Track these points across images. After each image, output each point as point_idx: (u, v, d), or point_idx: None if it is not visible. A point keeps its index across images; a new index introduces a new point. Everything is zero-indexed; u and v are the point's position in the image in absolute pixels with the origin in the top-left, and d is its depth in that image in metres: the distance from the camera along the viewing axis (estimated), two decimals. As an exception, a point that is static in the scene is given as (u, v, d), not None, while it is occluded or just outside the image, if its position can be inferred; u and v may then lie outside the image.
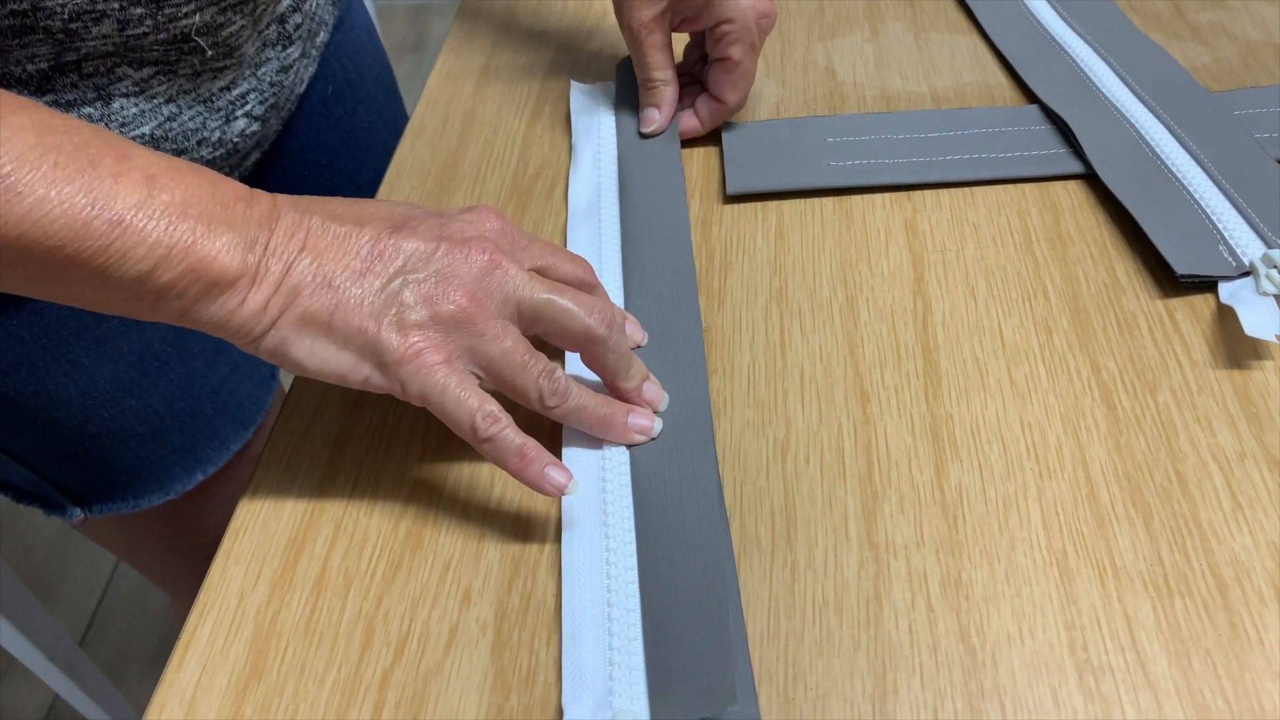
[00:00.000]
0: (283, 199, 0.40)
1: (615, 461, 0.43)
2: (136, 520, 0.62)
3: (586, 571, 0.39)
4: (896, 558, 0.39)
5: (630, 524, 0.41)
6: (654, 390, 0.44)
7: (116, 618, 1.37)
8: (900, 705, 0.35)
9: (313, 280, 0.38)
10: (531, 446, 0.40)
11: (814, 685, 0.36)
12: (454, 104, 0.64)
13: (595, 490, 0.42)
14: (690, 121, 0.59)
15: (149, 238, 0.35)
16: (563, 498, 0.42)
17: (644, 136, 0.58)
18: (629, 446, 0.43)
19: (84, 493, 0.60)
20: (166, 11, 0.47)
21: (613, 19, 0.70)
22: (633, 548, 0.40)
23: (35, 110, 0.35)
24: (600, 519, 0.41)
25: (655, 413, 0.44)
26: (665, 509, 0.41)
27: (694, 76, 0.61)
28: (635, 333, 0.47)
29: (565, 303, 0.41)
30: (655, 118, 0.58)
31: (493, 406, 0.39)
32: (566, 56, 0.68)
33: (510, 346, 0.40)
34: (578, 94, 0.62)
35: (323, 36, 0.64)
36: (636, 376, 0.43)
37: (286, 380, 0.83)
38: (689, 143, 0.60)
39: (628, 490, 0.42)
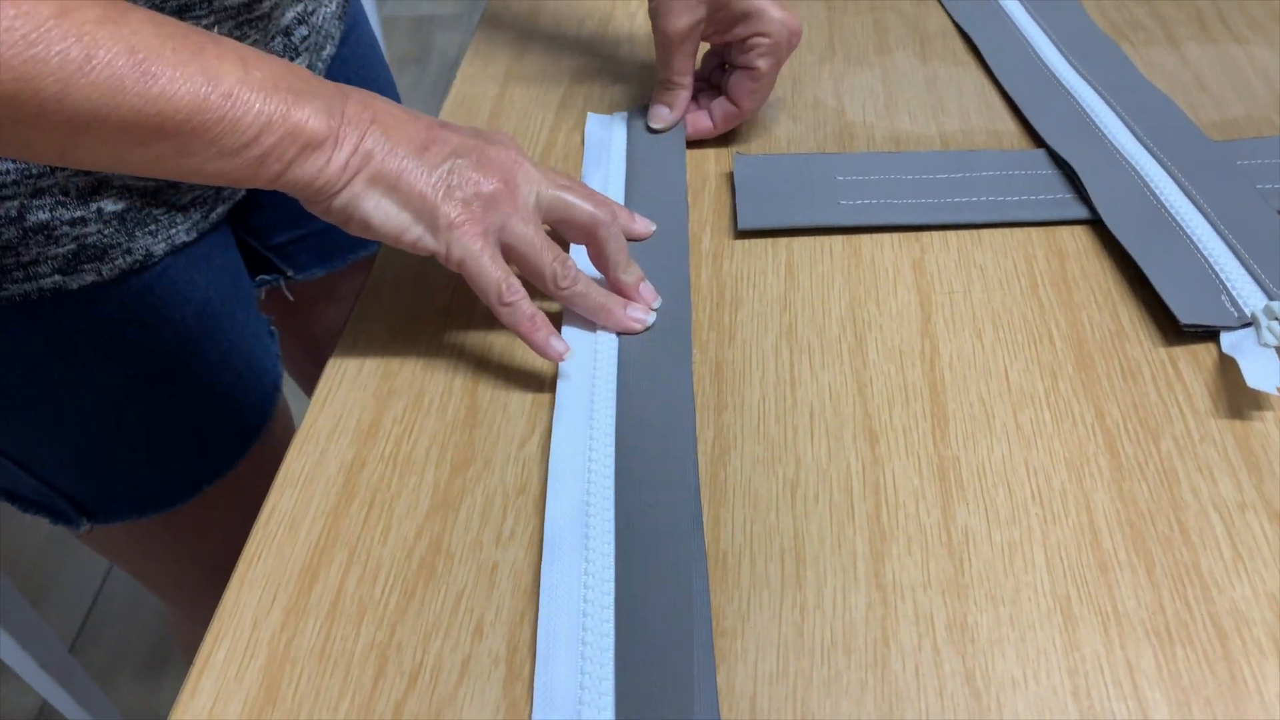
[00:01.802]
0: (346, 85, 0.45)
1: (605, 349, 0.49)
2: (140, 530, 0.63)
3: (564, 592, 0.40)
4: (904, 599, 0.40)
5: (610, 544, 0.41)
6: (649, 291, 0.51)
7: (108, 624, 1.36)
8: (906, 747, 0.36)
9: (383, 148, 0.44)
10: (541, 317, 0.47)
11: (821, 725, 0.37)
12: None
13: (583, 423, 0.46)
14: (704, 123, 0.61)
15: (253, 107, 0.40)
16: (551, 459, 0.45)
17: (652, 131, 0.61)
18: (619, 336, 0.50)
19: (90, 502, 0.60)
20: (186, 19, 0.49)
21: (626, 43, 0.71)
22: (611, 573, 0.40)
23: (146, 10, 0.39)
24: (582, 516, 0.43)
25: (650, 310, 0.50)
26: (644, 530, 0.42)
27: (709, 82, 0.64)
28: (643, 225, 0.54)
29: (573, 196, 0.49)
30: (665, 115, 0.61)
31: (515, 280, 0.46)
32: (582, 86, 0.69)
33: (533, 231, 0.47)
34: (593, 124, 0.63)
35: (329, 50, 0.65)
36: (634, 273, 0.50)
37: (290, 391, 0.83)
38: (701, 176, 0.61)
39: (610, 488, 0.44)
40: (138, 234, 0.53)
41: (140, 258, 0.53)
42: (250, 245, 0.68)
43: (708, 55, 0.64)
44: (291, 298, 0.74)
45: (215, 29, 0.50)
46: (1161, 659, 0.38)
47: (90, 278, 0.52)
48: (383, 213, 0.45)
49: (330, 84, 0.44)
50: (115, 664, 1.32)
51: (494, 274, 0.46)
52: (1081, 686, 0.37)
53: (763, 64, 0.58)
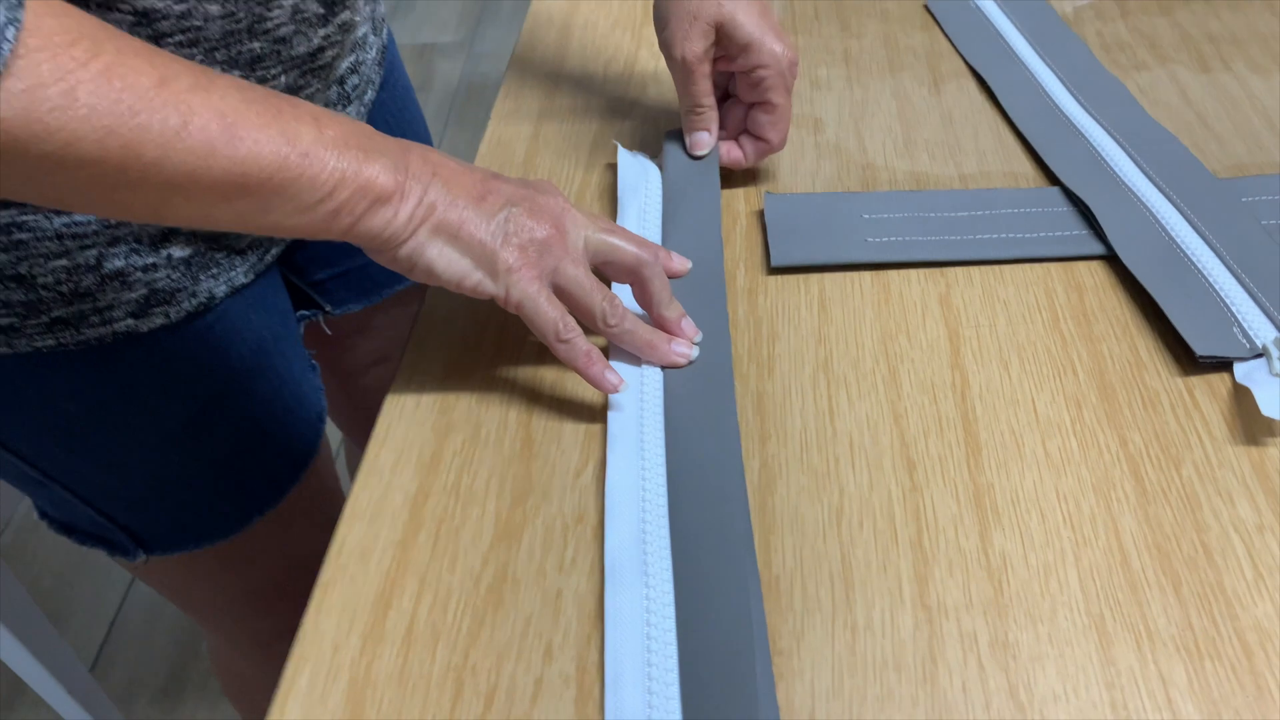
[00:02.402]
0: (405, 140, 0.48)
1: (651, 383, 0.52)
2: (191, 560, 0.65)
3: (628, 617, 0.43)
4: (948, 619, 0.43)
5: (668, 570, 0.44)
6: (691, 326, 0.54)
7: (125, 648, 1.38)
8: (958, 759, 0.38)
9: (445, 199, 0.47)
10: (595, 352, 0.50)
11: (877, 739, 0.39)
12: (509, 166, 0.68)
13: (634, 454, 0.49)
14: (735, 154, 0.64)
15: (328, 164, 0.43)
16: (606, 489, 0.48)
17: (695, 159, 0.64)
18: (664, 370, 0.53)
19: (147, 535, 0.62)
20: (259, 74, 0.52)
21: (652, 83, 0.74)
22: (670, 598, 0.43)
23: (228, 75, 0.42)
24: (640, 544, 0.45)
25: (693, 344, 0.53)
26: (700, 556, 0.44)
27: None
28: (680, 263, 0.56)
29: (618, 239, 0.52)
30: (706, 140, 0.63)
31: (570, 319, 0.49)
32: (612, 125, 0.72)
33: (583, 273, 0.50)
34: (624, 156, 0.66)
35: (370, 94, 0.67)
36: (676, 309, 0.53)
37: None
38: (731, 215, 0.64)
39: (664, 516, 0.46)
40: (201, 277, 0.55)
41: (204, 300, 0.56)
42: (292, 282, 0.71)
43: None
44: (329, 332, 0.76)
45: (282, 77, 0.53)
46: (1192, 673, 0.40)
47: (159, 320, 0.54)
48: (445, 260, 0.47)
49: (392, 140, 0.47)
50: (133, 687, 1.33)
51: (551, 314, 0.49)
52: (1119, 700, 0.40)
53: (774, 97, 0.60)
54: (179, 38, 0.47)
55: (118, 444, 0.57)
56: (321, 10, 0.52)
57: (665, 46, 0.61)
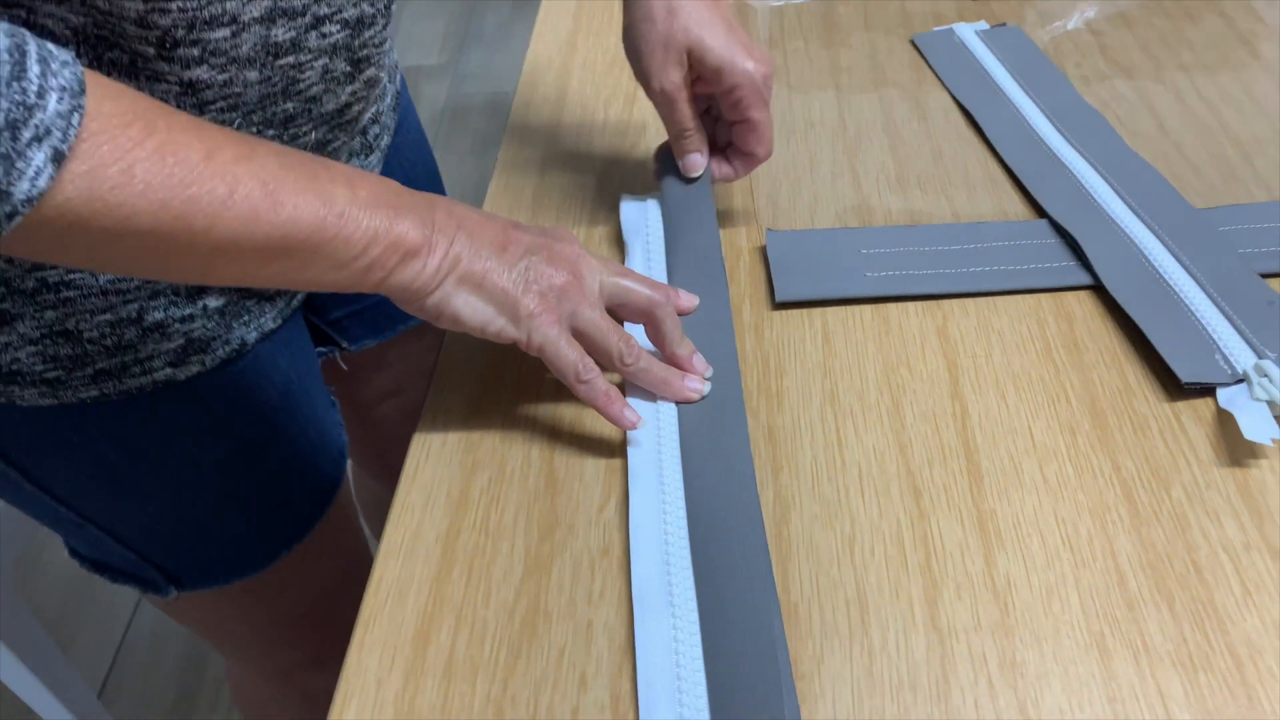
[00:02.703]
0: (429, 194, 0.51)
1: (667, 418, 0.55)
2: (220, 595, 0.67)
3: (658, 647, 0.45)
4: (959, 640, 0.45)
5: (693, 600, 0.46)
6: (702, 362, 0.56)
7: (131, 677, 1.39)
8: (974, 773, 0.41)
9: (469, 251, 0.49)
10: (614, 391, 0.53)
11: (897, 756, 0.42)
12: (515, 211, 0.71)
13: (654, 482, 0.52)
14: (725, 170, 0.65)
15: (362, 224, 0.45)
16: (630, 525, 0.50)
17: (690, 181, 0.65)
18: (678, 405, 0.55)
19: (180, 572, 0.64)
20: (291, 131, 0.54)
21: (653, 123, 0.76)
22: (696, 627, 0.45)
23: (268, 142, 0.45)
24: (664, 575, 0.48)
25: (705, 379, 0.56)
26: (722, 585, 0.46)
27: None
28: (688, 300, 0.59)
29: (631, 282, 0.55)
30: (699, 161, 0.64)
31: (589, 359, 0.52)
32: (615, 169, 0.74)
33: (600, 316, 0.52)
34: (627, 209, 0.69)
35: (387, 139, 0.70)
36: (687, 346, 0.56)
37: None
38: (734, 251, 0.66)
39: (685, 547, 0.49)
40: (234, 325, 0.57)
41: (236, 347, 0.58)
42: (310, 320, 0.73)
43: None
44: (345, 367, 0.78)
45: (313, 134, 0.55)
46: (1188, 685, 0.43)
47: (196, 368, 0.56)
48: (471, 308, 0.50)
49: (418, 194, 0.50)
50: (141, 713, 1.35)
51: (571, 356, 0.51)
52: (1121, 713, 0.42)
53: (753, 114, 0.61)
54: (220, 104, 0.49)
55: (156, 487, 0.59)
56: (348, 69, 0.54)
57: (642, 78, 0.62)
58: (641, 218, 0.68)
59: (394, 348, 0.81)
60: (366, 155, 0.64)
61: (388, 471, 0.91)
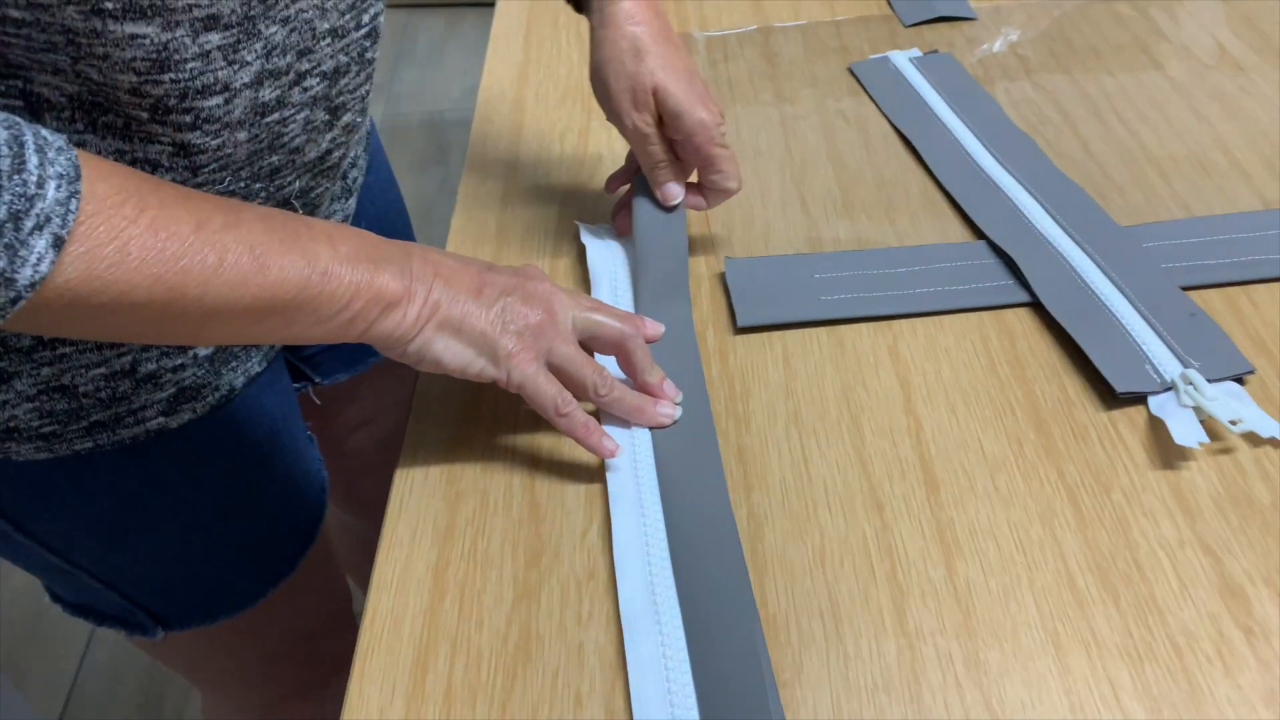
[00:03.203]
0: (404, 242, 0.53)
1: (642, 443, 0.58)
2: (208, 634, 0.68)
3: (648, 665, 0.48)
4: (926, 643, 0.49)
5: (678, 618, 0.49)
6: (671, 388, 0.59)
7: (86, 713, 1.37)
8: (947, 766, 0.44)
9: (447, 297, 0.51)
10: (593, 423, 0.56)
11: (876, 755, 0.45)
12: (480, 242, 0.73)
13: (635, 508, 0.55)
14: (696, 199, 0.68)
15: (344, 279, 0.47)
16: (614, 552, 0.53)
17: (669, 209, 0.67)
18: (651, 430, 0.58)
19: (167, 613, 0.65)
20: (277, 182, 0.56)
21: (607, 154, 0.79)
22: (683, 643, 0.48)
23: (252, 205, 0.47)
24: (649, 595, 0.50)
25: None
26: (704, 602, 0.49)
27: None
28: (655, 328, 0.62)
29: (601, 316, 0.57)
30: (676, 191, 0.66)
31: (567, 393, 0.55)
32: (574, 200, 0.77)
33: (574, 350, 0.55)
34: (586, 234, 0.71)
35: (360, 179, 0.72)
36: (658, 373, 0.59)
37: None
38: (695, 278, 0.69)
39: (667, 567, 0.52)
40: (223, 371, 0.59)
41: (225, 392, 0.59)
42: (285, 358, 0.75)
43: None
44: (318, 401, 0.80)
45: (296, 183, 0.57)
46: (1134, 675, 0.47)
47: (187, 416, 0.58)
48: (451, 352, 0.52)
49: (395, 244, 0.52)
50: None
51: (550, 392, 0.54)
52: (1077, 704, 0.46)
53: (712, 151, 0.63)
54: (213, 165, 0.51)
55: (149, 533, 0.60)
56: (327, 117, 0.56)
57: (614, 116, 0.64)
58: (605, 247, 0.70)
59: (365, 381, 0.82)
60: (346, 199, 0.66)
61: (358, 501, 0.93)
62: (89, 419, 0.55)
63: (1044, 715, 0.46)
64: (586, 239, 0.71)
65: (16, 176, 0.36)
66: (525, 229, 0.74)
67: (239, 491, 0.63)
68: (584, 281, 0.70)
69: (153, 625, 0.65)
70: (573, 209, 0.76)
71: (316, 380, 0.78)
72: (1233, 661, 0.47)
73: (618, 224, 0.71)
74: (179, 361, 0.56)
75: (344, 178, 0.65)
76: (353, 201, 0.68)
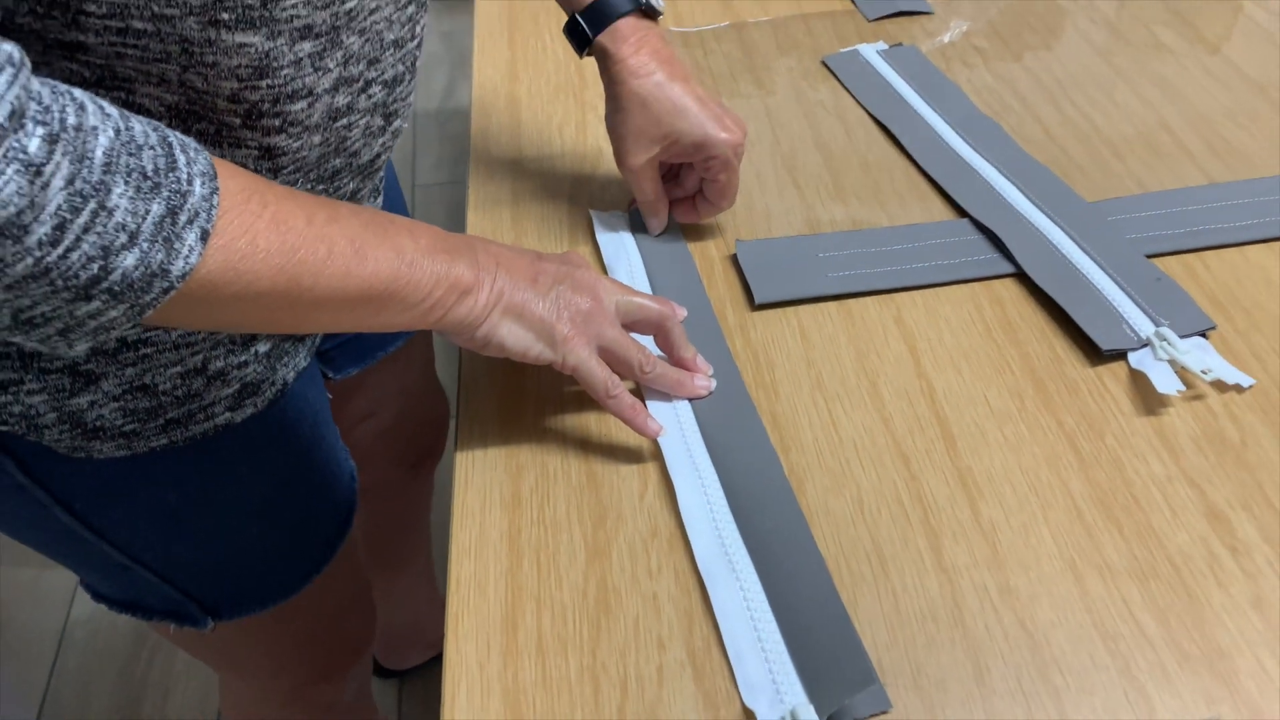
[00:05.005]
0: (465, 235, 0.57)
1: (685, 413, 0.63)
2: (249, 623, 0.70)
3: (733, 609, 0.53)
4: (962, 577, 0.55)
5: (750, 566, 0.55)
6: (704, 362, 0.64)
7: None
8: (994, 679, 0.51)
9: (510, 285, 0.55)
10: (639, 404, 0.60)
11: (931, 675, 0.51)
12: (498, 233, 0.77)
13: (688, 465, 0.60)
14: (691, 215, 0.74)
15: (427, 270, 0.51)
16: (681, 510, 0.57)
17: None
18: (691, 402, 0.63)
19: (218, 604, 0.68)
20: (335, 184, 0.59)
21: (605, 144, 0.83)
22: (759, 586, 0.54)
23: (342, 202, 0.50)
24: (720, 546, 0.56)
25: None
26: (773, 548, 0.55)
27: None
28: (682, 309, 0.65)
29: (641, 299, 0.61)
30: (659, 225, 0.74)
31: (616, 377, 0.59)
32: (583, 191, 0.81)
33: (620, 334, 0.60)
34: (600, 224, 0.76)
35: (384, 176, 0.75)
36: (691, 349, 0.64)
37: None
38: (707, 260, 0.74)
39: (731, 521, 0.57)
40: (278, 367, 0.62)
41: (280, 387, 0.62)
42: (307, 354, 0.77)
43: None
44: (330, 396, 0.82)
45: (350, 183, 0.60)
46: (1143, 591, 0.54)
47: (249, 410, 0.60)
48: (514, 337, 0.56)
49: (459, 236, 0.56)
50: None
51: (601, 374, 0.58)
52: (1098, 619, 0.53)
53: (722, 177, 0.70)
54: (291, 167, 0.54)
55: (208, 525, 0.63)
56: (382, 123, 0.59)
57: (618, 157, 0.70)
58: (618, 237, 0.75)
59: (372, 374, 0.86)
60: (376, 198, 0.69)
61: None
62: (165, 416, 0.57)
63: (1071, 629, 0.52)
64: (599, 228, 0.76)
65: (170, 174, 0.39)
66: (539, 223, 0.78)
67: (288, 481, 0.66)
68: (600, 268, 0.74)
69: (203, 616, 0.68)
70: (581, 199, 0.80)
71: (330, 375, 0.81)
72: (1223, 575, 0.54)
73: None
74: (243, 359, 0.59)
75: (376, 177, 0.68)
76: (380, 199, 0.71)
